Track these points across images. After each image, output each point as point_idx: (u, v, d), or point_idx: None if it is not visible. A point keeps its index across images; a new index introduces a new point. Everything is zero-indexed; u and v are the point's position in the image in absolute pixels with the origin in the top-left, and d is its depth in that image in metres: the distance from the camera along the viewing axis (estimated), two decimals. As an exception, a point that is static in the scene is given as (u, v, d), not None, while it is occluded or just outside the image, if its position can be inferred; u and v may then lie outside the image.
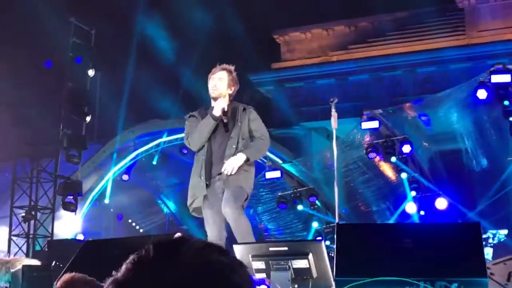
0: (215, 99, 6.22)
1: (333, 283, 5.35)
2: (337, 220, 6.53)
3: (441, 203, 17.17)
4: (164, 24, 22.44)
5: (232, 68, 6.30)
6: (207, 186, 6.07)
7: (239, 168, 6.02)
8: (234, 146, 6.11)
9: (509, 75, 14.41)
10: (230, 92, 6.23)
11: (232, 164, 5.99)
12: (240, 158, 6.02)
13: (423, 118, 17.03)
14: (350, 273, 4.59)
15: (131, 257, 1.31)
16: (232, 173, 6.02)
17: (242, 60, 26.13)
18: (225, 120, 6.12)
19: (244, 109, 6.26)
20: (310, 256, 5.40)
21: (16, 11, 16.39)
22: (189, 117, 6.34)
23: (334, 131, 6.71)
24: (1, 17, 16.10)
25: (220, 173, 6.06)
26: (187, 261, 1.24)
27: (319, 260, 5.42)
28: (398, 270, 4.31)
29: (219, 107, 6.06)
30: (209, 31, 23.15)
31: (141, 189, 22.04)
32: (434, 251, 4.41)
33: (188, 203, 6.17)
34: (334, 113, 6.59)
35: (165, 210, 23.01)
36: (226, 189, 6.02)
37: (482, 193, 18.21)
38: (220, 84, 6.17)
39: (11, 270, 9.85)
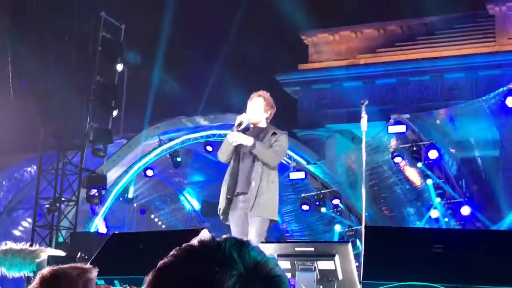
0: (253, 123, 6.52)
1: (359, 286, 5.31)
2: (363, 223, 6.47)
3: (465, 211, 17.02)
4: (192, 21, 22.50)
5: (266, 94, 6.55)
6: (230, 201, 6.34)
7: (262, 187, 6.16)
8: (260, 170, 6.30)
9: (539, 84, 14.23)
10: (267, 115, 6.52)
11: (237, 136, 6.31)
12: (248, 139, 6.26)
13: (451, 124, 16.87)
14: (377, 277, 4.54)
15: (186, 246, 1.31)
16: (233, 141, 6.30)
17: (270, 60, 26.21)
18: (238, 129, 6.43)
19: (274, 133, 6.41)
20: (337, 257, 5.36)
21: (47, 4, 16.50)
22: (232, 131, 6.63)
23: (363, 134, 6.64)
24: (31, 9, 16.21)
25: (245, 193, 6.26)
26: (248, 269, 1.24)
27: (345, 262, 5.38)
28: (427, 275, 4.26)
29: (244, 120, 6.42)
30: (237, 29, 23.16)
31: (164, 185, 22.10)
32: (467, 258, 4.34)
33: (218, 207, 6.48)
34: (364, 115, 6.54)
35: (188, 207, 23.05)
36: (250, 218, 6.19)
37: (508, 202, 18.01)
38: (256, 110, 6.47)
39: (36, 260, 9.95)
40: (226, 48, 22.92)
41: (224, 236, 1.32)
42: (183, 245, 1.31)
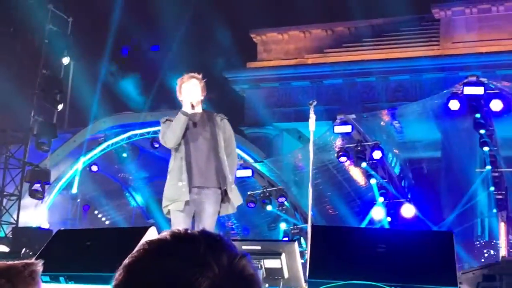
0: (195, 105, 6.16)
1: (304, 284, 5.39)
2: (309, 222, 6.55)
3: (407, 211, 17.35)
4: (142, 18, 22.34)
5: (199, 76, 6.31)
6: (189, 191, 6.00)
7: (231, 182, 6.08)
8: (221, 156, 6.10)
9: (482, 88, 14.60)
10: (202, 98, 6.27)
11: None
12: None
13: (396, 125, 17.18)
14: (323, 275, 4.61)
15: (151, 240, 1.24)
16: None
17: (218, 57, 26.20)
18: (193, 111, 6.12)
19: (218, 117, 6.30)
20: (283, 256, 5.43)
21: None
22: (165, 121, 6.28)
23: (311, 134, 6.73)
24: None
25: (205, 188, 6.01)
26: (224, 267, 1.19)
27: (291, 261, 5.45)
28: (370, 274, 4.35)
29: (186, 102, 6.05)
30: (187, 26, 23.09)
31: (109, 180, 21.89)
32: (407, 257, 4.45)
33: (164, 204, 6.06)
34: (312, 116, 6.61)
35: (133, 203, 22.89)
36: (213, 215, 6.02)
37: (449, 203, 18.44)
38: (196, 91, 6.17)
39: (-23, 256, 9.75)
40: (175, 44, 22.81)
41: (198, 230, 1.26)
42: (156, 238, 1.23)
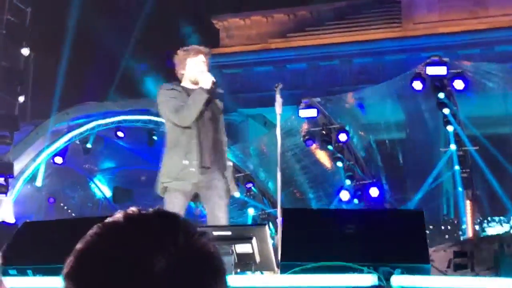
0: (194, 82, 5.87)
1: (276, 268, 5.37)
2: (279, 206, 6.53)
3: (375, 193, 17.50)
4: (102, 4, 22.07)
5: (208, 50, 6.02)
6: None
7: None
8: (223, 138, 5.94)
9: (445, 68, 14.75)
10: None
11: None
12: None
13: (360, 107, 17.29)
14: (295, 258, 4.61)
15: (106, 222, 1.16)
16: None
17: (180, 44, 26.00)
18: (220, 91, 5.94)
19: (220, 100, 6.07)
20: (254, 240, 5.40)
21: None
22: (171, 89, 5.83)
23: (278, 117, 6.68)
24: None
25: (216, 170, 5.80)
26: (181, 246, 1.13)
27: (263, 245, 5.43)
28: (342, 255, 4.36)
29: (208, 79, 5.70)
30: (147, 12, 22.86)
31: (74, 172, 21.65)
32: (378, 237, 4.47)
33: (162, 180, 5.78)
34: (278, 99, 6.53)
35: (99, 194, 22.69)
36: (219, 200, 5.86)
37: (414, 183, 18.64)
38: (204, 67, 5.84)
39: None
40: (138, 31, 22.58)
41: (152, 209, 1.18)
42: (108, 221, 1.15)
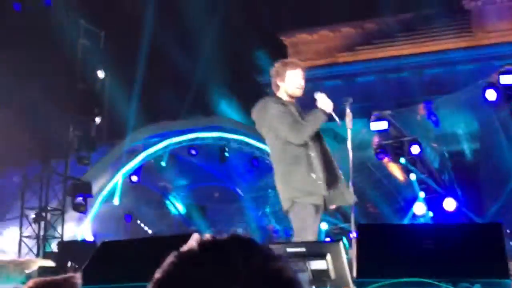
0: (292, 96, 5.96)
1: (351, 284, 5.38)
2: (352, 221, 6.54)
3: (450, 204, 17.19)
4: (173, 25, 22.49)
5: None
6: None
7: None
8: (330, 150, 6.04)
9: (518, 76, 14.41)
10: None
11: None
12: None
13: (432, 118, 17.03)
14: (371, 274, 4.62)
15: (180, 252, 1.21)
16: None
17: (249, 61, 26.26)
18: (338, 121, 5.98)
19: None
20: (328, 257, 5.41)
21: (26, 14, 16.44)
22: (281, 103, 5.82)
23: (349, 132, 6.69)
24: (10, 17, 16.15)
25: (340, 179, 5.93)
26: (256, 272, 1.14)
27: (337, 261, 5.44)
28: (419, 271, 4.35)
29: (329, 104, 5.86)
30: (217, 31, 23.21)
31: (149, 190, 22.09)
32: (456, 252, 4.44)
33: (291, 196, 5.71)
34: (349, 113, 6.52)
35: (174, 211, 23.06)
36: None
37: (490, 195, 18.21)
38: (303, 83, 5.97)
39: (26, 271, 9.95)
40: (208, 50, 22.94)
41: (227, 235, 1.21)
42: (182, 249, 1.20)
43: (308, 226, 5.83)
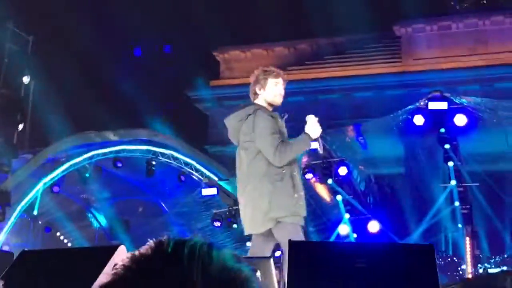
0: (271, 105, 5.92)
1: (280, 302, 5.24)
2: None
3: (374, 227, 17.37)
4: (106, 36, 22.13)
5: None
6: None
7: None
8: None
9: (446, 103, 14.75)
10: None
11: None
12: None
13: (361, 141, 17.22)
14: (301, 292, 4.48)
15: (137, 253, 1.14)
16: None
17: (180, 75, 26.08)
18: (320, 149, 5.79)
19: None
20: (258, 273, 5.27)
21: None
22: (271, 118, 5.73)
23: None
24: None
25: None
26: (213, 264, 1.11)
27: (267, 278, 5.30)
28: (351, 290, 4.24)
29: (317, 130, 5.74)
30: (149, 43, 22.94)
31: (71, 201, 21.51)
32: (388, 272, 4.35)
33: (278, 215, 5.49)
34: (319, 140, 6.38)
35: (95, 224, 22.51)
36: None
37: (414, 219, 18.50)
38: (283, 92, 5.94)
39: None
40: (138, 62, 22.61)
41: (183, 239, 1.15)
42: (138, 255, 1.13)
43: (259, 252, 5.66)
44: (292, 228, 5.51)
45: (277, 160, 5.52)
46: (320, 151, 6.01)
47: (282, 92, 5.93)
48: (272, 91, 5.88)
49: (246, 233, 5.86)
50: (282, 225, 5.54)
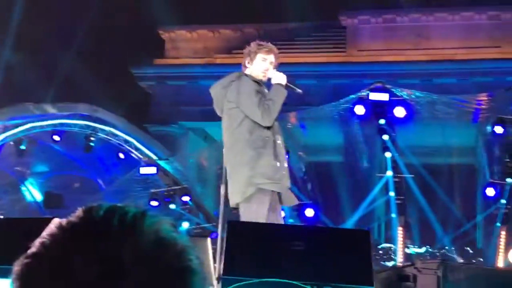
0: (257, 78, 5.84)
1: (215, 282, 5.25)
2: (221, 221, 6.42)
3: (310, 213, 17.54)
4: (43, 7, 21.64)
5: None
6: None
7: None
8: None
9: (387, 94, 14.96)
10: None
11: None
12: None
13: (302, 128, 17.35)
14: (238, 273, 4.49)
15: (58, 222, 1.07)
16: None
17: (124, 52, 25.71)
18: (298, 90, 5.76)
19: None
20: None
21: None
22: (256, 82, 5.70)
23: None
24: None
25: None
26: (145, 233, 1.03)
27: (203, 257, 5.31)
28: (288, 272, 4.28)
29: (282, 77, 5.73)
30: (91, 19, 22.53)
31: (5, 174, 21.03)
32: (324, 255, 4.41)
33: (258, 181, 5.41)
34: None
35: (29, 198, 22.08)
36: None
37: (350, 207, 18.77)
38: (271, 69, 5.82)
39: None
40: (82, 37, 22.20)
41: (111, 206, 1.07)
42: (63, 221, 1.07)
43: (265, 216, 5.49)
44: (266, 199, 5.47)
45: (266, 118, 5.54)
46: (300, 91, 6.07)
47: (269, 69, 5.83)
48: (259, 66, 5.84)
49: (231, 205, 5.80)
50: (259, 192, 5.49)
